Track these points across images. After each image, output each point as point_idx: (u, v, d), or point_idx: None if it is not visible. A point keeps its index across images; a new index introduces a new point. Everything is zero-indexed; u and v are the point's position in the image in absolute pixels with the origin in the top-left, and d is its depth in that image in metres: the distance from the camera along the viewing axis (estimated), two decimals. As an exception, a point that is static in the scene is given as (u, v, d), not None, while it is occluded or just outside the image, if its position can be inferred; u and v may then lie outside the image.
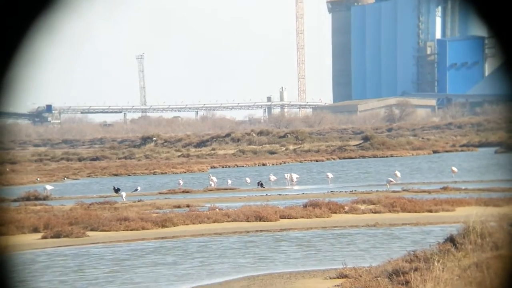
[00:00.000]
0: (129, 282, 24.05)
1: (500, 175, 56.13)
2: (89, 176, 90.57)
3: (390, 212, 38.81)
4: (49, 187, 61.04)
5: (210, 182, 63.56)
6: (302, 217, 37.77)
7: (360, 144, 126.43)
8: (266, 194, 54.08)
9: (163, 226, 36.27)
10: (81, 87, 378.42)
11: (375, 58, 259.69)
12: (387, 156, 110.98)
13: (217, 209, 40.41)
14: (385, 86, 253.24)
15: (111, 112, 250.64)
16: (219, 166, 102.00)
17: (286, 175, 65.10)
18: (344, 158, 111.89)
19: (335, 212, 38.88)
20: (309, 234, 33.16)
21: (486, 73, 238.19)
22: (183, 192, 60.18)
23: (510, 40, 10.26)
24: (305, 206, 39.86)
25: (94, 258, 28.88)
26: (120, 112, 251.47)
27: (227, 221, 37.14)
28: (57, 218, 37.59)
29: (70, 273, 26.03)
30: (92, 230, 35.56)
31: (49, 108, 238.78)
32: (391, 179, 56.71)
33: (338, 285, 20.26)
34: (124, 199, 50.44)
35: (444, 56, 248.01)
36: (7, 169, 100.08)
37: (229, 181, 65.13)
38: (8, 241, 31.36)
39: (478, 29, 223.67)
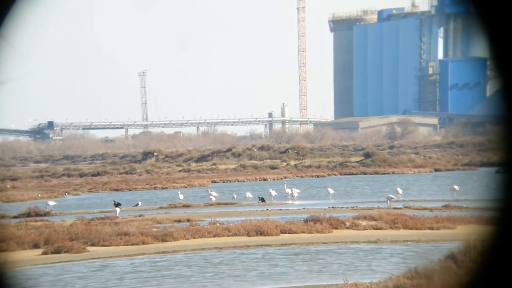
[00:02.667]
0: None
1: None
2: (90, 192, 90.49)
3: (392, 228, 38.69)
4: (51, 203, 61.03)
5: (211, 197, 63.50)
6: (303, 232, 37.67)
7: (361, 160, 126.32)
8: (267, 209, 54.01)
9: (164, 240, 36.19)
10: (83, 103, 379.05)
11: (376, 77, 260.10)
12: (388, 173, 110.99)
13: (218, 224, 40.35)
14: (386, 105, 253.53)
15: (113, 128, 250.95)
16: (220, 180, 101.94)
17: (287, 190, 65.03)
18: (345, 174, 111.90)
19: (336, 228, 38.77)
20: (310, 249, 33.06)
21: (488, 94, 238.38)
22: (183, 206, 60.11)
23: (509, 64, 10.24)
24: (306, 221, 39.77)
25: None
26: (122, 127, 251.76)
27: (227, 236, 37.07)
28: (58, 233, 37.49)
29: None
30: (92, 245, 35.48)
31: (50, 124, 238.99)
32: (392, 196, 56.59)
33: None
34: (118, 215, 50.30)
35: (446, 76, 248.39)
36: (8, 186, 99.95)
37: (235, 195, 65.27)
38: (8, 257, 31.30)
39: (480, 51, 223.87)
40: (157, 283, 26.19)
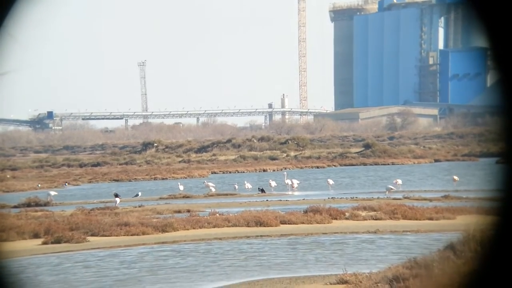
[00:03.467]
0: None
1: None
2: (90, 182, 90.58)
3: (391, 219, 38.78)
4: (52, 192, 61.18)
5: (211, 188, 63.53)
6: (303, 223, 37.76)
7: (361, 151, 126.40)
8: (267, 200, 54.10)
9: (164, 231, 36.27)
10: (83, 93, 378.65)
11: (377, 67, 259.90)
12: (388, 164, 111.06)
13: (218, 214, 40.45)
14: (387, 95, 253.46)
15: (113, 118, 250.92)
16: (220, 171, 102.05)
17: (287, 180, 65.08)
18: (345, 165, 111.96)
19: (335, 218, 38.87)
20: (308, 239, 33.15)
21: (489, 84, 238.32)
22: (183, 197, 60.20)
23: (508, 55, 10.25)
24: (305, 211, 39.85)
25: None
26: (122, 118, 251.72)
27: (227, 226, 37.15)
28: (58, 223, 37.57)
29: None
30: (92, 235, 35.55)
31: (50, 114, 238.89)
32: (392, 187, 56.65)
33: (338, 291, 20.24)
34: (118, 205, 50.46)
35: (446, 66, 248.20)
36: (8, 176, 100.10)
37: (236, 186, 65.35)
38: (8, 247, 31.38)
39: (481, 41, 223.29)
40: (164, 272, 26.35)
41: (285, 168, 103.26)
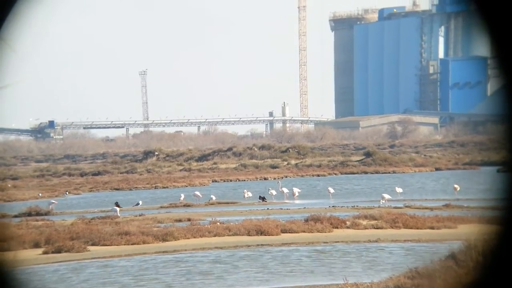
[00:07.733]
0: None
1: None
2: (90, 191, 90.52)
3: (392, 228, 38.69)
4: (53, 201, 61.17)
5: (212, 196, 63.36)
6: (304, 232, 37.68)
7: (362, 159, 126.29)
8: (268, 208, 54.03)
9: (164, 240, 36.20)
10: (84, 102, 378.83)
11: (377, 76, 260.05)
12: (389, 172, 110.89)
13: (218, 223, 40.36)
14: (387, 104, 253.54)
15: (114, 127, 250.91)
16: (221, 180, 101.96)
17: (282, 189, 64.92)
18: (346, 173, 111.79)
19: (336, 227, 38.77)
20: (310, 249, 33.09)
21: (489, 93, 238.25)
22: (184, 205, 60.15)
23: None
24: (306, 220, 39.80)
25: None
26: (123, 127, 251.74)
27: (228, 235, 37.07)
28: (58, 233, 37.49)
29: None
30: (93, 244, 35.48)
31: (51, 123, 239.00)
32: (386, 195, 56.48)
33: (339, 300, 20.17)
34: (119, 214, 50.40)
35: (446, 75, 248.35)
36: (9, 185, 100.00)
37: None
38: (10, 256, 31.28)
39: (481, 50, 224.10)
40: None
41: (284, 177, 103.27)
